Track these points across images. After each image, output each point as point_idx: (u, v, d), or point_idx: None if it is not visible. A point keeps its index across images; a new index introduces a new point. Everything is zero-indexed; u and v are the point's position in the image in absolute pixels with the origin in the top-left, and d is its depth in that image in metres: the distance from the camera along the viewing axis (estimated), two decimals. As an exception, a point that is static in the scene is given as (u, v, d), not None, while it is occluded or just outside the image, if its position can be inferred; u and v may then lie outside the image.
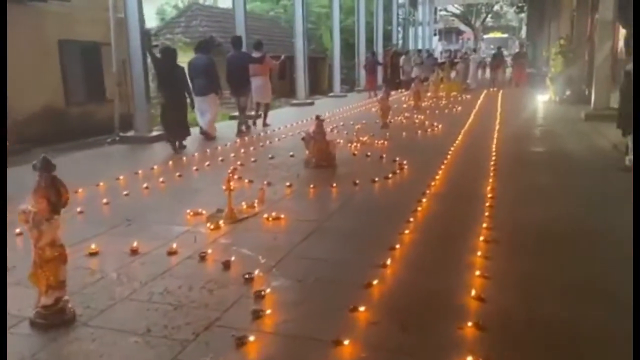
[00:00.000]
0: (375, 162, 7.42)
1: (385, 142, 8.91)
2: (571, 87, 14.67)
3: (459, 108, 14.14)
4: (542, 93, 16.34)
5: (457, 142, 8.77)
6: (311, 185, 6.01)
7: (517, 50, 22.06)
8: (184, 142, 8.72)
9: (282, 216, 4.83)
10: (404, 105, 14.84)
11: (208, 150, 8.52)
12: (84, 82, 11.35)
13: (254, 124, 11.43)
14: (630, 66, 6.11)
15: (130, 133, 9.95)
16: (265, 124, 11.45)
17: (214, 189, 5.49)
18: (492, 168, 6.76)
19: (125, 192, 5.86)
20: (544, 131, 10.13)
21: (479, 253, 3.82)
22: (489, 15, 60.12)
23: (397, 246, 3.98)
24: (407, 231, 4.34)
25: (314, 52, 26.18)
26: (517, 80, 20.08)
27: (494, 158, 7.35)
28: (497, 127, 10.26)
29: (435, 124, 10.91)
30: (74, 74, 11.13)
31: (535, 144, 8.82)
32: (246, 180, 6.30)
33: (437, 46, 49.98)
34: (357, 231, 4.51)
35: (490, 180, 6.09)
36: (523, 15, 47.57)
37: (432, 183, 6.00)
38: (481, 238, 4.13)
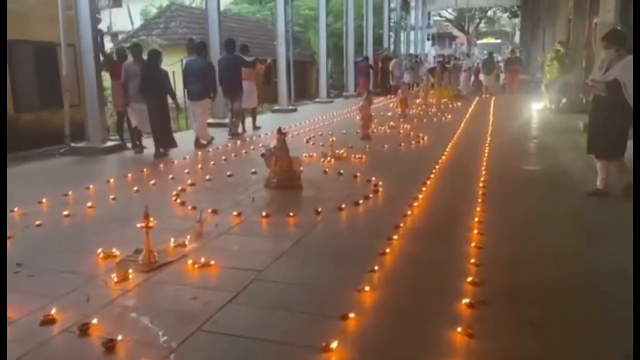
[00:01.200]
0: (348, 182, 6.39)
1: (364, 157, 7.89)
2: (567, 94, 13.68)
3: (449, 116, 13.14)
4: (536, 101, 15.35)
5: (443, 157, 7.75)
6: (264, 214, 4.97)
7: (509, 56, 21.01)
8: (163, 151, 8.22)
9: (213, 262, 3.78)
10: (389, 114, 13.82)
11: (162, 165, 7.48)
12: (37, 87, 10.25)
13: (244, 130, 10.94)
14: (598, 84, 5.38)
15: (82, 143, 8.86)
16: (255, 127, 11.26)
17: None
18: (480, 192, 5.74)
19: (38, 222, 4.81)
20: (539, 145, 9.11)
21: (459, 329, 2.80)
22: (483, 21, 59.28)
23: (352, 315, 2.95)
24: (367, 288, 3.31)
25: (301, 56, 25.20)
26: (510, 87, 19.11)
27: (483, 179, 6.32)
28: (488, 140, 9.25)
29: (421, 135, 9.89)
30: (25, 77, 10.04)
31: (530, 161, 7.81)
32: (190, 207, 5.26)
33: (431, 51, 49.01)
34: (302, 288, 3.44)
35: (478, 209, 5.06)
36: (517, 20, 46.83)
37: (409, 212, 4.98)
38: (464, 301, 3.11)
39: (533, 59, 26.67)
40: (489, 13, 57.56)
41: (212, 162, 7.72)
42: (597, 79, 5.39)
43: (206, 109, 9.40)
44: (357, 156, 7.92)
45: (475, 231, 4.40)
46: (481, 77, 20.64)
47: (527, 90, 19.85)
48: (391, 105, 16.21)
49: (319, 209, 5.03)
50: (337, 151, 8.14)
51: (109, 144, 8.84)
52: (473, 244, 4.09)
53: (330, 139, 8.12)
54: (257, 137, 10.39)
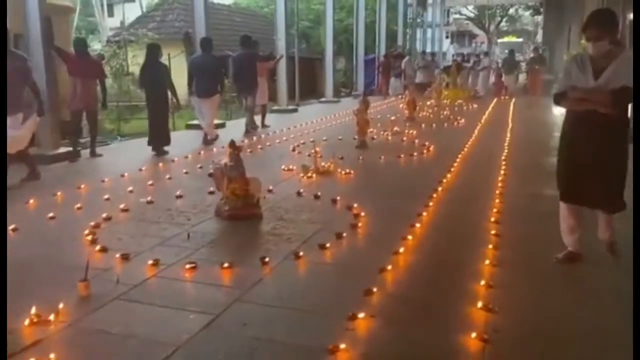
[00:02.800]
0: (323, 209, 4.98)
1: (352, 173, 6.47)
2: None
3: (462, 121, 11.62)
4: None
5: (448, 175, 6.28)
6: (188, 264, 3.59)
7: (532, 55, 19.30)
8: (164, 149, 7.90)
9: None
10: (395, 117, 12.34)
11: (105, 179, 6.16)
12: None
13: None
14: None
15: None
16: (264, 125, 10.82)
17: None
18: (491, 231, 4.28)
19: None
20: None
21: None
22: (504, 19, 57.17)
23: None
24: None
25: (310, 52, 23.82)
26: (532, 88, 17.44)
27: (495, 209, 4.86)
28: (504, 152, 7.75)
29: (427, 144, 8.42)
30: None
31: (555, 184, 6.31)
32: (97, 247, 3.91)
33: (449, 49, 47.23)
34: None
35: (487, 262, 3.61)
36: (539, 18, 44.79)
37: (389, 266, 3.55)
38: None
39: (557, 59, 24.91)
40: (511, 11, 55.49)
41: (167, 176, 6.36)
42: (590, 88, 3.43)
43: (216, 105, 9.17)
44: (345, 171, 6.50)
45: (480, 304, 2.97)
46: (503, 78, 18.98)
47: (550, 92, 18.16)
48: (401, 106, 14.72)
49: (267, 259, 3.64)
50: (323, 164, 6.74)
51: (61, 150, 7.55)
52: (478, 330, 2.66)
53: (314, 150, 6.68)
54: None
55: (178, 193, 5.42)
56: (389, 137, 9.40)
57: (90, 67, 7.49)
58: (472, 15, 55.46)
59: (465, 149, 8.08)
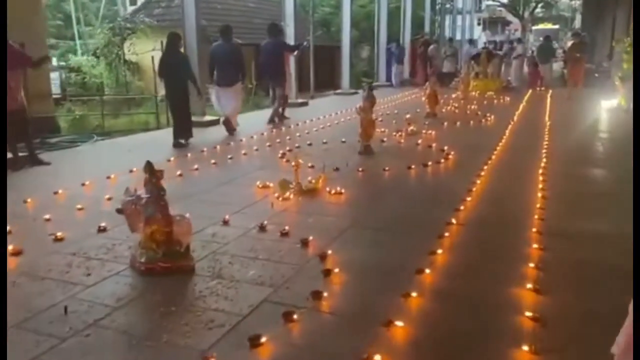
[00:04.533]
0: (287, 257, 3.49)
1: (343, 193, 4.96)
2: (651, 91, 10.19)
3: (491, 118, 9.92)
4: (606, 97, 11.86)
5: (468, 200, 4.69)
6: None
7: (572, 41, 17.22)
8: (183, 142, 7.58)
9: None
10: (414, 113, 10.71)
11: (28, 199, 4.80)
12: None
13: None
14: None
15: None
16: (284, 117, 10.10)
17: None
18: (525, 322, 2.74)
19: None
20: (620, 175, 5.88)
21: None
22: (540, 5, 54.03)
23: None
24: None
25: (328, 40, 22.19)
26: (572, 78, 15.42)
27: (532, 266, 3.28)
28: (542, 163, 6.10)
29: (447, 149, 6.84)
30: None
31: (611, 214, 4.66)
32: None
33: (481, 36, 44.76)
34: None
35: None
36: (577, 3, 41.99)
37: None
38: None
39: (598, 46, 22.66)
40: (547, -4, 52.45)
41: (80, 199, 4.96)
42: None
43: (239, 93, 8.84)
44: (334, 190, 5.00)
45: None
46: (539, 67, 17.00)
47: (591, 83, 16.17)
48: (423, 99, 13.06)
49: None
50: (310, 178, 5.26)
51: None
52: None
53: (294, 163, 5.17)
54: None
55: (102, 225, 4.01)
56: (402, 139, 7.82)
57: (11, 58, 5.93)
58: (505, 1, 52.60)
59: (493, 157, 6.44)
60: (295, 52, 10.79)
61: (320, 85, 19.84)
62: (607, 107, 11.17)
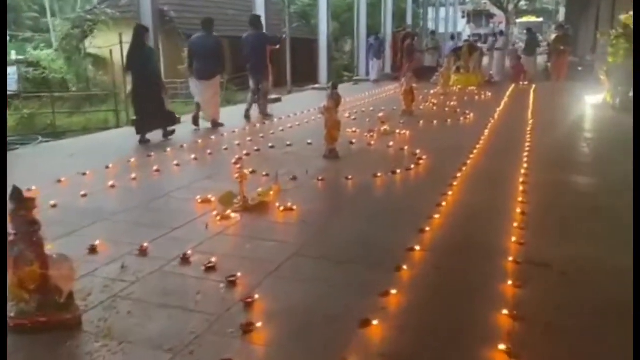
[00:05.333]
0: (203, 304, 2.77)
1: (295, 209, 4.25)
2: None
3: (471, 115, 9.26)
4: (591, 91, 11.26)
5: (436, 216, 4.01)
6: None
7: (556, 33, 16.62)
8: (170, 129, 7.45)
9: None
10: (391, 110, 10.03)
11: None
12: None
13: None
14: None
15: None
16: (265, 114, 9.63)
17: None
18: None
19: None
20: (610, 185, 5.24)
21: None
22: (524, -2, 53.46)
23: None
24: None
25: (307, 33, 21.43)
26: (556, 72, 14.84)
27: (506, 320, 2.61)
28: (523, 169, 5.44)
29: (420, 152, 6.17)
30: None
31: (614, 239, 4.01)
32: None
33: (465, 29, 44.20)
34: None
35: None
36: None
37: None
38: None
39: (581, 39, 22.15)
40: (531, -11, 51.94)
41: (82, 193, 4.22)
42: None
43: (218, 87, 8.61)
44: (285, 205, 4.29)
45: None
46: (522, 60, 16.39)
47: (575, 77, 15.61)
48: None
49: None
50: (260, 190, 4.56)
51: None
52: None
53: (238, 174, 4.43)
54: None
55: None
56: (373, 141, 7.13)
57: None
58: (490, -7, 52.00)
59: (469, 162, 5.77)
60: (277, 45, 10.28)
61: (300, 79, 19.11)
62: (593, 103, 10.57)
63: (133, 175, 5.30)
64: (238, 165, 5.60)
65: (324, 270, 3.19)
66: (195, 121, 8.25)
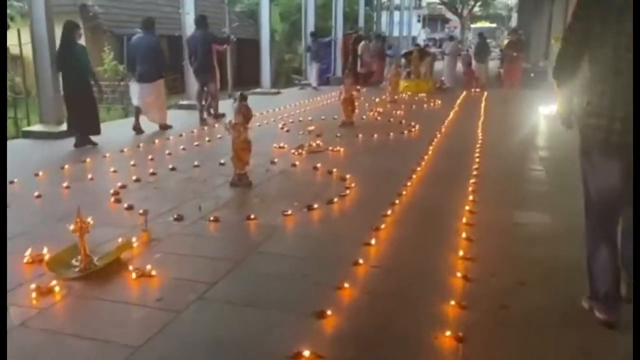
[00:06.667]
0: None
1: (153, 275, 3.02)
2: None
3: (416, 127, 8.22)
4: (544, 102, 10.42)
5: (346, 285, 2.88)
6: None
7: (509, 38, 15.89)
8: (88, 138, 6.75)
9: None
10: (331, 120, 8.92)
11: None
12: None
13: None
14: None
15: None
16: (217, 115, 9.28)
17: None
18: None
19: None
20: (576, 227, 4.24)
21: None
22: (478, 4, 53.64)
23: None
24: None
25: (256, 34, 20.09)
26: (508, 79, 14.06)
27: None
28: (467, 204, 4.37)
29: (349, 178, 5.05)
30: None
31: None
32: None
33: (420, 34, 43.77)
34: None
35: None
36: (513, 2, 41.59)
37: None
38: None
39: (534, 44, 21.66)
40: (484, -5, 52.14)
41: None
42: None
43: (162, 90, 8.12)
44: (138, 272, 3.05)
45: None
46: (474, 66, 15.57)
47: (528, 84, 14.89)
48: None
49: None
50: (121, 240, 3.33)
51: None
52: None
53: (72, 227, 3.14)
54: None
55: None
56: (299, 161, 5.95)
57: None
58: (445, -1, 51.88)
59: (405, 192, 4.67)
60: (225, 46, 10.05)
61: (246, 82, 17.81)
62: (546, 114, 9.72)
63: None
64: (113, 199, 4.37)
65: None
66: (136, 127, 7.75)
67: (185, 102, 10.83)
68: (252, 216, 4.01)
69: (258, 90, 14.04)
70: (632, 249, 2.37)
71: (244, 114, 4.86)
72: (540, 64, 17.84)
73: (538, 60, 18.64)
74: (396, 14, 29.60)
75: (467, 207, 4.24)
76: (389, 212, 4.13)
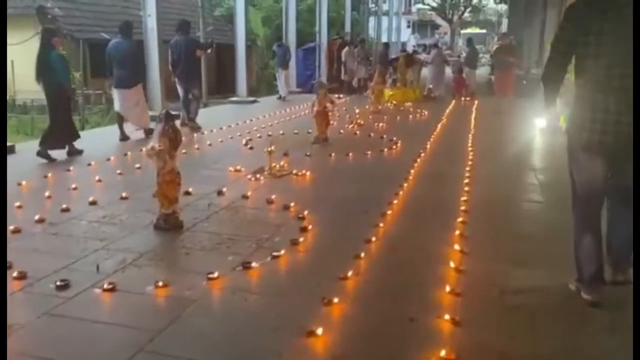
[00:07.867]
0: None
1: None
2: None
3: (398, 144, 7.18)
4: (540, 113, 9.38)
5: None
6: None
7: (499, 43, 14.85)
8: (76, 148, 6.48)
9: None
10: (305, 134, 7.86)
11: None
12: None
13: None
14: None
15: None
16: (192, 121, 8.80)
17: None
18: None
19: None
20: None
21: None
22: (468, 10, 52.94)
23: None
24: None
25: (230, 39, 19.06)
26: (501, 87, 13.03)
27: None
28: (452, 251, 3.33)
29: (306, 215, 3.99)
30: None
31: None
32: None
33: (410, 39, 42.87)
34: None
35: None
36: (504, 8, 40.86)
37: None
38: None
39: (526, 50, 20.74)
40: (475, 1, 51.38)
41: None
42: None
43: (141, 95, 7.83)
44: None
45: None
46: (465, 74, 14.54)
47: (521, 92, 13.87)
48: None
49: None
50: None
51: None
52: None
53: None
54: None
55: None
56: (252, 190, 4.87)
57: None
58: (435, 4, 51.08)
59: (374, 238, 3.60)
60: (208, 51, 9.76)
61: (225, 90, 16.75)
62: (542, 126, 8.69)
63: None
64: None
65: None
66: (122, 133, 7.60)
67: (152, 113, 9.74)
68: (161, 283, 2.92)
69: (234, 99, 12.96)
70: (616, 238, 2.76)
71: (171, 138, 3.77)
72: (533, 71, 16.88)
73: (531, 67, 17.70)
74: (384, 19, 28.65)
75: (451, 263, 3.18)
76: (357, 261, 3.07)
